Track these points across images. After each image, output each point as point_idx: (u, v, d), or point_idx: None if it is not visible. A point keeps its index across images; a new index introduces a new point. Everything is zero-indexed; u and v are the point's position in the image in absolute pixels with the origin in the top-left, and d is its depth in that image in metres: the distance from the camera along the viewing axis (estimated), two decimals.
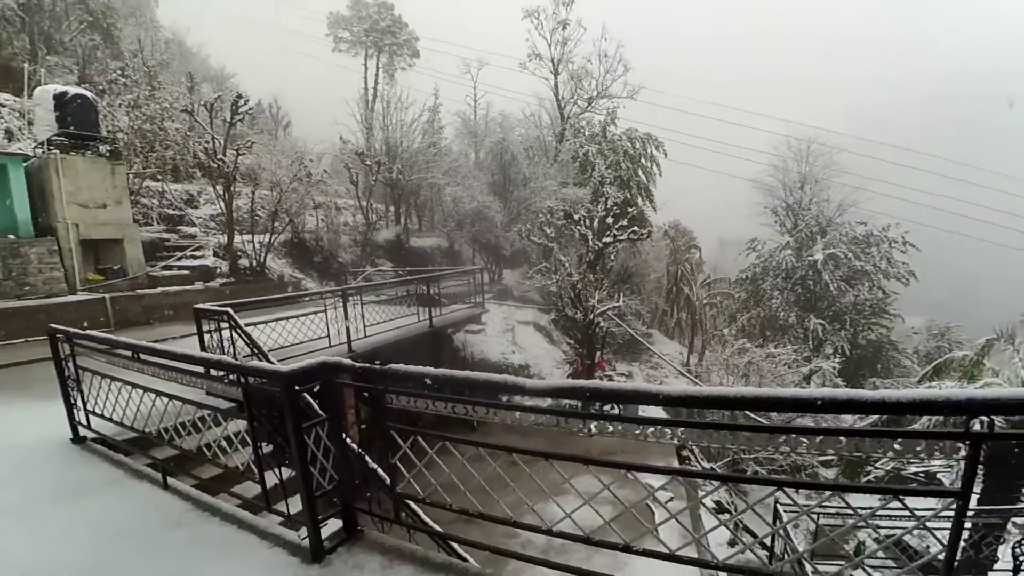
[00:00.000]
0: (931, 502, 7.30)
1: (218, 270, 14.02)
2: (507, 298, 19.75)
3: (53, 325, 4.63)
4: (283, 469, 3.13)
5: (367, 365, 2.81)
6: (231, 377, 3.23)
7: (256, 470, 3.26)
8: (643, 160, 25.97)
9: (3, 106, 15.49)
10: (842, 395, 1.72)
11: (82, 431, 4.76)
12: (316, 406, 3.01)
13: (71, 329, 4.49)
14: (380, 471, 3.13)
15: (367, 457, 3.14)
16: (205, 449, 3.61)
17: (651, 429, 2.14)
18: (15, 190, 11.16)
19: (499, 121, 26.03)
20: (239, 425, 3.41)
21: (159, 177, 15.87)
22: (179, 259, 13.67)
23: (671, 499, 9.14)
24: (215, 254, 14.38)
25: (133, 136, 14.85)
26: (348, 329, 8.58)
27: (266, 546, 3.00)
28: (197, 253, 14.14)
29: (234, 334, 6.16)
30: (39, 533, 3.25)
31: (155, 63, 21.39)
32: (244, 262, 14.68)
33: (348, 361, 2.86)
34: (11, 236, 10.92)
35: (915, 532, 6.48)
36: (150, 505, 3.58)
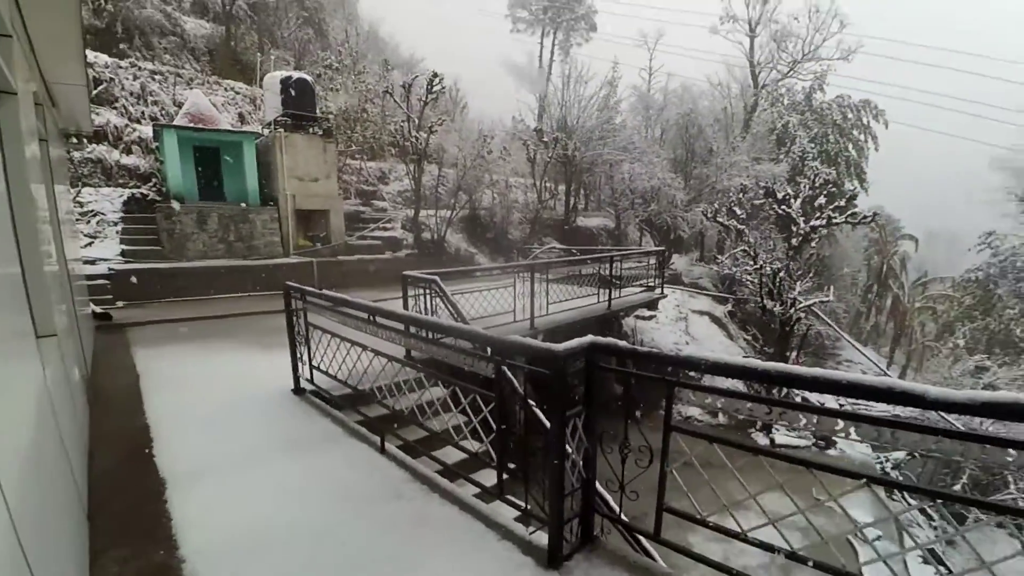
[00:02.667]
0: None
1: (404, 241, 14.85)
2: (677, 284, 18.27)
3: (289, 283, 4.80)
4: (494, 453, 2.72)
5: (652, 350, 2.32)
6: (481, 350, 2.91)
7: (494, 454, 2.99)
8: (855, 132, 22.16)
9: (237, 93, 17.94)
10: None
11: (303, 383, 4.91)
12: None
13: (305, 287, 4.57)
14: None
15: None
16: (418, 411, 3.58)
17: None
18: (247, 164, 12.72)
19: (679, 93, 24.10)
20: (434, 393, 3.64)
21: (357, 156, 17.24)
22: (372, 230, 14.72)
23: (878, 538, 7.77)
24: (402, 227, 15.25)
25: (340, 118, 16.25)
26: (532, 305, 8.21)
27: (493, 538, 2.71)
28: (387, 225, 15.12)
29: (439, 301, 6.09)
30: (278, 487, 3.23)
31: (357, 52, 23.35)
32: (426, 235, 15.38)
33: (623, 343, 2.35)
34: (243, 204, 12.48)
35: None
36: (370, 469, 3.48)
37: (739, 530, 2.17)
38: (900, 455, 10.82)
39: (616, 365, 2.46)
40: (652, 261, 13.05)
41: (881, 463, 10.95)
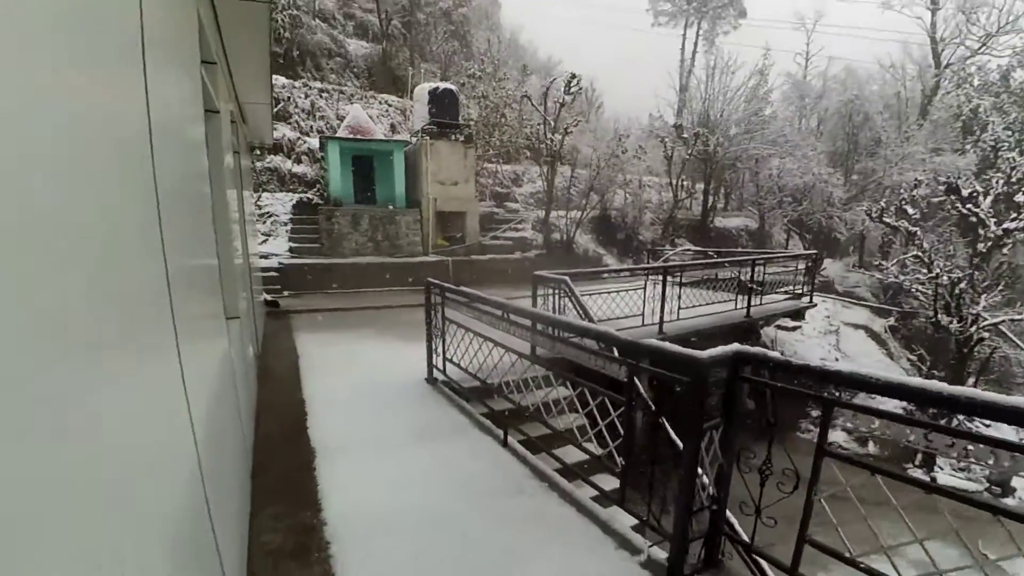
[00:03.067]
0: None
1: (534, 242, 15.18)
2: (828, 292, 16.41)
3: (430, 279, 5.20)
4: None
5: (809, 363, 2.13)
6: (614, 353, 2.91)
7: (619, 459, 2.97)
8: None
9: (390, 105, 19.61)
10: None
11: (436, 374, 5.27)
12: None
13: (444, 283, 4.93)
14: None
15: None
16: (542, 409, 3.64)
17: None
18: (396, 170, 13.91)
19: (841, 78, 21.63)
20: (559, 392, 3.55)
21: (494, 159, 17.97)
22: (504, 231, 15.27)
23: None
24: (533, 228, 15.61)
25: (480, 124, 17.08)
26: (663, 309, 7.95)
27: (611, 544, 2.69)
28: (519, 226, 15.58)
29: (567, 301, 6.18)
30: (408, 470, 3.51)
31: (499, 60, 24.34)
32: (556, 236, 15.57)
33: (774, 353, 2.24)
34: (390, 206, 13.66)
35: None
36: (492, 462, 3.63)
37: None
38: None
39: (761, 377, 2.30)
40: (801, 266, 11.91)
41: None
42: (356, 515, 2.94)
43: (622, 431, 2.89)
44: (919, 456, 7.78)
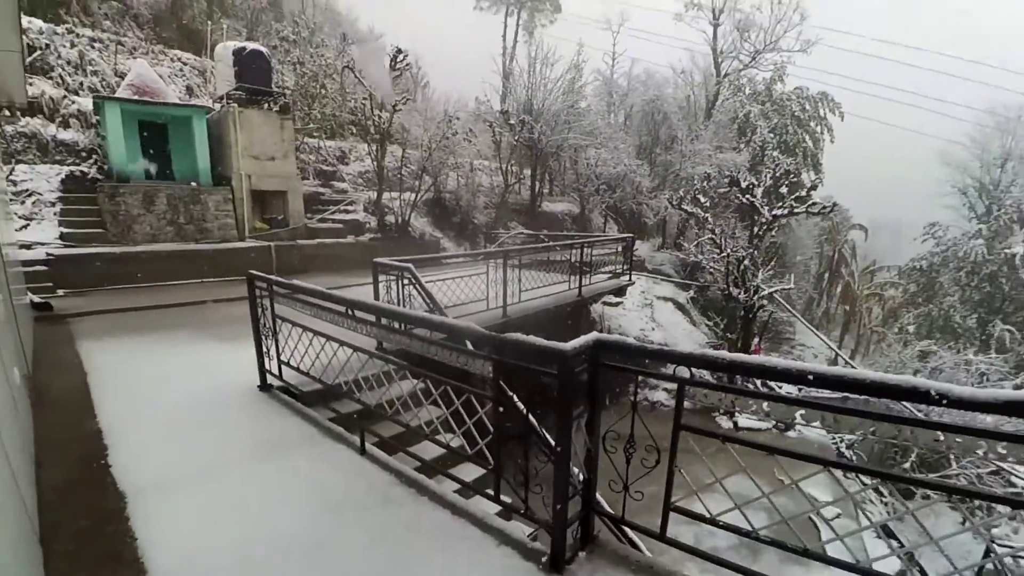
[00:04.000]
0: None
1: (367, 225, 14.36)
2: (641, 271, 18.48)
3: (253, 272, 4.45)
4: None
5: (663, 347, 2.30)
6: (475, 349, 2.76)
7: (490, 457, 2.85)
8: (813, 124, 22.81)
9: (185, 64, 16.85)
10: None
11: (270, 379, 4.61)
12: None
13: (271, 276, 4.26)
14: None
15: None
16: (391, 406, 3.49)
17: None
18: (198, 141, 11.95)
19: (642, 79, 24.13)
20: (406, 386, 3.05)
21: (315, 134, 16.50)
22: (332, 213, 14.14)
23: (838, 516, 8.16)
24: (365, 209, 14.73)
25: (297, 94, 15.49)
26: (505, 293, 8.06)
27: (491, 543, 2.61)
28: (349, 208, 14.56)
29: (412, 289, 5.84)
30: (256, 496, 2.97)
31: (315, 24, 22.28)
32: (390, 219, 14.92)
33: (632, 340, 2.31)
34: (193, 184, 11.75)
35: None
36: (353, 472, 3.28)
37: (749, 527, 2.19)
38: (853, 436, 11.30)
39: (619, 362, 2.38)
40: (620, 248, 13.10)
41: (836, 444, 11.42)
42: (196, 565, 2.38)
43: (491, 428, 2.82)
44: (723, 408, 9.29)
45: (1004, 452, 1.67)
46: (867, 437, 1.85)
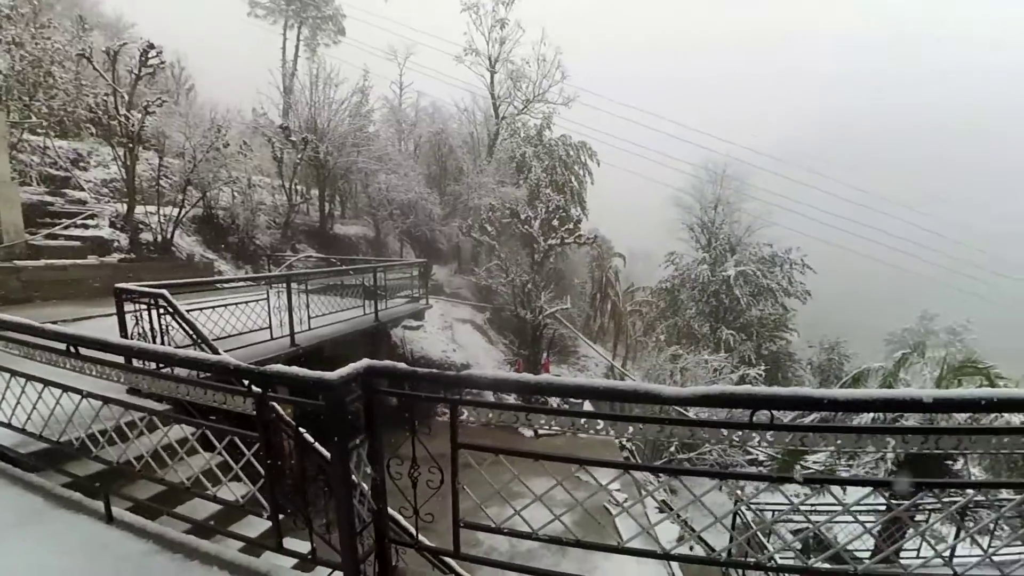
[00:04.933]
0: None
1: (115, 243, 11.87)
2: (439, 294, 18.86)
3: None
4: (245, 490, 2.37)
5: (432, 371, 2.29)
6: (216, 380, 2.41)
7: (267, 503, 2.58)
8: (576, 167, 26.12)
9: None
10: (787, 393, 1.92)
11: None
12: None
13: None
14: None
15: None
16: (136, 461, 2.91)
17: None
18: None
19: (429, 112, 24.98)
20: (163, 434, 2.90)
21: (40, 130, 13.25)
22: (66, 227, 11.33)
23: (625, 500, 9.39)
24: (111, 224, 12.16)
25: (12, 79, 12.29)
26: (292, 320, 7.46)
27: None
28: (89, 222, 11.83)
29: (169, 320, 4.97)
30: None
31: (39, 1, 18.06)
32: (147, 236, 12.60)
33: (402, 365, 2.32)
34: None
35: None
36: (96, 548, 2.63)
37: (529, 530, 2.35)
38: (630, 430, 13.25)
39: (396, 388, 2.40)
40: (415, 272, 13.18)
41: (619, 440, 13.08)
42: None
43: (262, 470, 2.54)
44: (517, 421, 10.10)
45: (707, 436, 2.04)
46: (643, 434, 2.25)
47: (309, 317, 8.11)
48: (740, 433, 1.98)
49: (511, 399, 10.57)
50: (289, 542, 2.65)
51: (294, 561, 2.69)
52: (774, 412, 1.92)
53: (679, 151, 36.05)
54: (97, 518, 2.88)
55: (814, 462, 12.54)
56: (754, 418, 1.92)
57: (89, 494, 3.10)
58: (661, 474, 11.53)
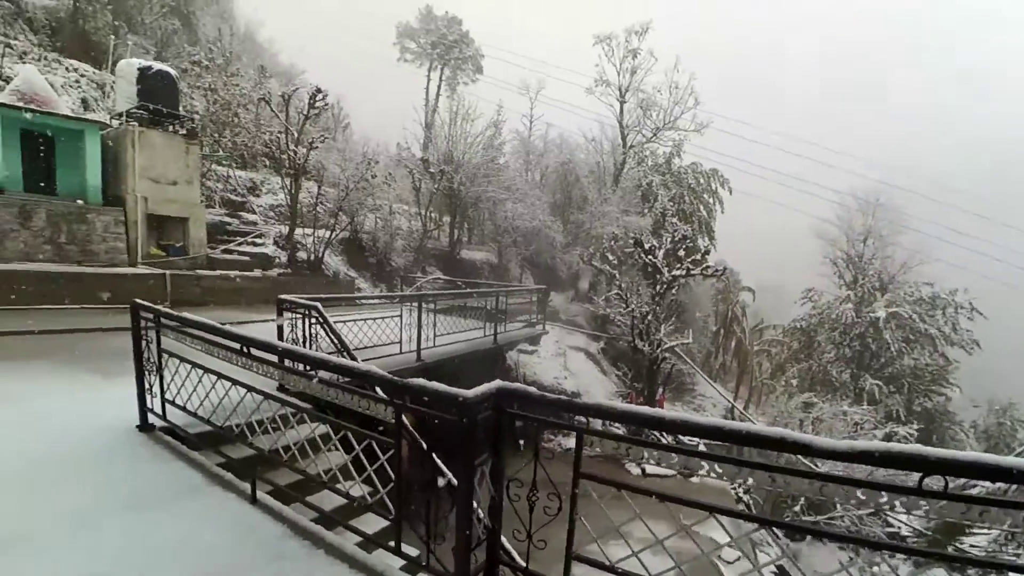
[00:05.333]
0: None
1: (277, 260, 13.69)
2: (555, 321, 19.02)
3: (138, 300, 4.09)
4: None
5: (561, 397, 2.27)
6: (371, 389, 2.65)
7: (391, 507, 2.74)
8: (706, 196, 25.14)
9: (82, 76, 15.67)
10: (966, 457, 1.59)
11: (152, 419, 4.18)
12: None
13: (159, 307, 3.93)
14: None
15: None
16: (283, 451, 3.24)
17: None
18: (89, 157, 11.03)
19: (557, 142, 25.62)
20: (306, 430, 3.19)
21: (225, 162, 15.78)
22: (239, 244, 13.37)
23: (738, 559, 8.53)
24: (275, 243, 14.08)
25: (207, 119, 14.83)
26: (419, 337, 7.96)
27: None
28: (258, 240, 13.86)
29: (318, 329, 5.61)
30: (115, 559, 2.58)
31: (231, 53, 21.71)
32: (302, 255, 14.34)
33: (533, 389, 2.32)
34: (79, 202, 10.74)
35: None
36: (242, 525, 2.97)
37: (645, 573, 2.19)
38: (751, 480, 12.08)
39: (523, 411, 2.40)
40: (534, 298, 13.45)
41: (735, 489, 12.05)
42: None
43: (392, 475, 2.73)
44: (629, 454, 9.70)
45: (863, 497, 1.78)
46: (765, 486, 2.02)
47: (435, 335, 8.59)
48: (905, 499, 1.73)
49: (621, 430, 10.24)
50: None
51: (403, 563, 2.84)
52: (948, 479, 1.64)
53: (823, 177, 32.74)
54: (244, 498, 3.26)
55: (971, 545, 10.55)
56: (923, 484, 1.67)
57: (238, 475, 3.52)
58: (783, 536, 10.38)
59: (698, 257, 14.51)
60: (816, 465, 8.53)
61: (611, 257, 16.26)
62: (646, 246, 14.67)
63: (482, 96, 24.19)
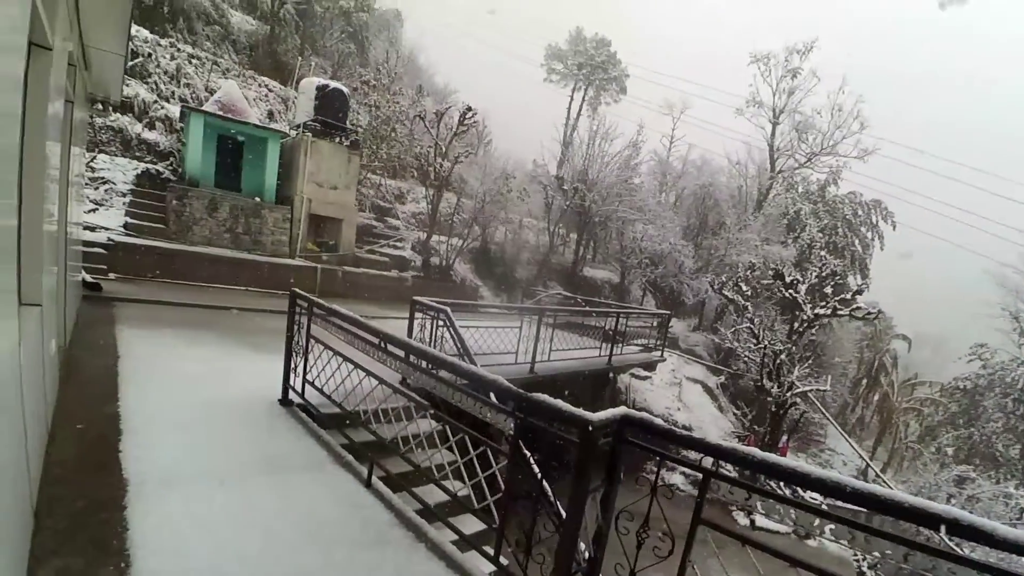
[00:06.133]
0: None
1: (412, 263, 14.69)
2: (674, 348, 18.09)
3: (297, 290, 4.56)
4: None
5: (691, 434, 2.13)
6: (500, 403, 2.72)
7: (496, 514, 2.80)
8: (863, 229, 22.53)
9: (271, 90, 18.08)
10: None
11: (292, 396, 4.62)
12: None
13: (313, 297, 4.34)
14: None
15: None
16: (401, 443, 3.46)
17: None
18: (269, 161, 12.66)
19: (698, 164, 24.55)
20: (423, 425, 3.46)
21: (379, 171, 17.28)
22: (382, 246, 14.56)
23: None
24: (412, 248, 15.12)
25: (368, 133, 16.37)
26: (535, 350, 7.97)
27: None
28: (398, 244, 15.00)
29: (444, 332, 5.85)
30: (252, 515, 2.88)
31: (395, 73, 23.81)
32: (435, 260, 15.23)
33: (659, 421, 2.21)
34: (257, 199, 12.34)
35: None
36: (353, 504, 3.18)
37: None
38: (875, 555, 10.47)
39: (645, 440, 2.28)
40: (655, 323, 12.90)
41: (858, 561, 10.56)
42: (177, 572, 2.30)
43: (503, 484, 2.74)
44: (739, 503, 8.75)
45: None
46: (896, 563, 1.71)
47: (550, 349, 8.55)
48: None
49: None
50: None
51: (495, 570, 2.83)
52: None
53: (1007, 213, 27.28)
54: (360, 480, 3.48)
55: None
56: None
57: (357, 458, 3.77)
58: None
59: (847, 296, 12.93)
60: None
61: (745, 287, 15.15)
62: (788, 279, 13.42)
63: (623, 115, 23.99)
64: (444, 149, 14.97)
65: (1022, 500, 14.05)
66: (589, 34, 34.09)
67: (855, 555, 10.68)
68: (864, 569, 10.29)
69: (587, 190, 18.48)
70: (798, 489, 9.42)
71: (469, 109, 14.82)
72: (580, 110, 33.18)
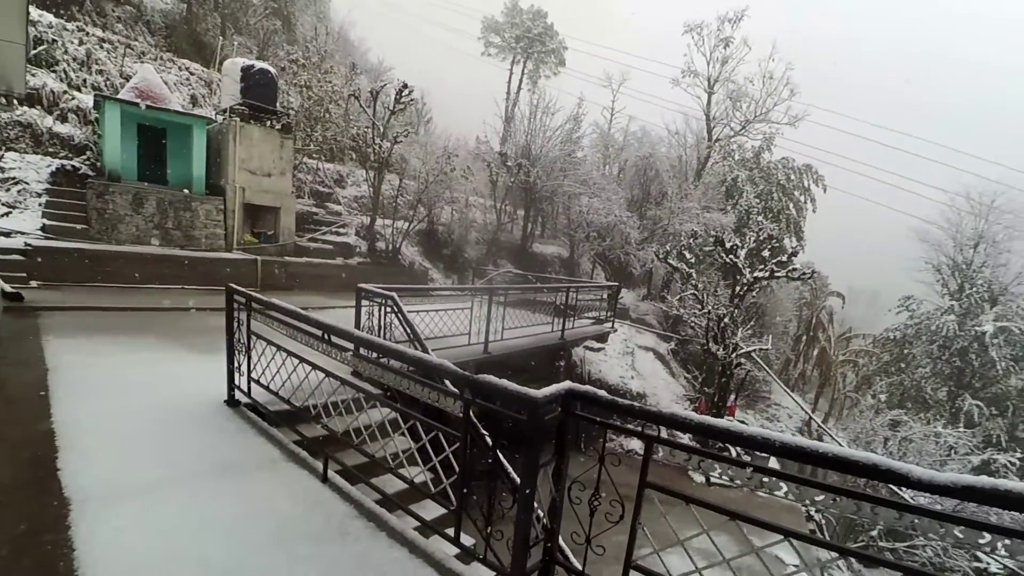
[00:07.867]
0: None
1: (358, 249, 14.36)
2: (624, 319, 18.61)
3: (233, 285, 4.41)
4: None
5: (633, 403, 2.22)
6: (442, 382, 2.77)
7: (453, 497, 2.86)
8: (797, 193, 23.61)
9: (192, 74, 17.03)
10: None
11: (238, 395, 4.52)
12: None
13: (251, 292, 4.22)
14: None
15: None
16: (355, 434, 3.44)
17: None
18: (195, 150, 12.00)
19: (638, 136, 24.96)
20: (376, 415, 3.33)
21: (315, 155, 16.67)
22: (324, 233, 14.15)
23: None
24: (356, 233, 14.76)
25: (301, 115, 15.71)
26: (488, 329, 8.04)
27: None
28: (341, 230, 14.59)
29: (393, 318, 5.81)
30: (208, 520, 2.83)
31: (325, 51, 22.84)
32: (381, 245, 14.94)
33: (603, 393, 2.29)
34: (185, 191, 11.72)
35: None
36: (311, 501, 3.17)
37: None
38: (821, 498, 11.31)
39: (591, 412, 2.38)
40: (605, 295, 13.22)
41: (806, 507, 11.36)
42: None
43: (456, 467, 2.82)
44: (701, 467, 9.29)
45: (960, 536, 1.62)
46: (826, 508, 1.90)
47: (503, 328, 8.67)
48: (1008, 542, 1.56)
49: (685, 439, 9.88)
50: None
51: (459, 552, 2.91)
52: None
53: (929, 174, 29.34)
54: (315, 476, 3.47)
55: None
56: None
57: (311, 453, 3.75)
58: (855, 561, 9.63)
59: (784, 258, 13.61)
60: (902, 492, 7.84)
61: (688, 255, 15.67)
62: (727, 245, 13.97)
63: (563, 89, 23.91)
64: (382, 129, 14.57)
65: (950, 438, 15.43)
66: (525, 5, 33.69)
67: (804, 503, 11.49)
68: (812, 513, 11.08)
69: (531, 165, 18.47)
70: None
71: (405, 86, 14.42)
72: (520, 84, 32.96)
